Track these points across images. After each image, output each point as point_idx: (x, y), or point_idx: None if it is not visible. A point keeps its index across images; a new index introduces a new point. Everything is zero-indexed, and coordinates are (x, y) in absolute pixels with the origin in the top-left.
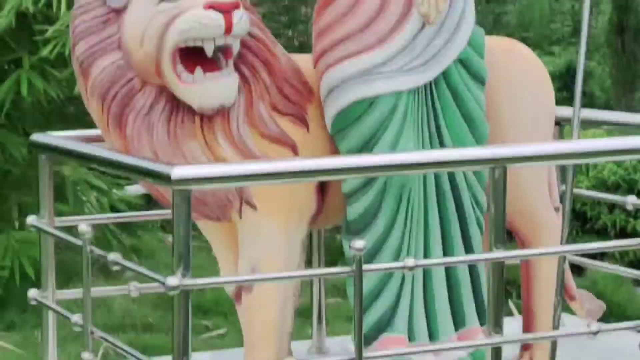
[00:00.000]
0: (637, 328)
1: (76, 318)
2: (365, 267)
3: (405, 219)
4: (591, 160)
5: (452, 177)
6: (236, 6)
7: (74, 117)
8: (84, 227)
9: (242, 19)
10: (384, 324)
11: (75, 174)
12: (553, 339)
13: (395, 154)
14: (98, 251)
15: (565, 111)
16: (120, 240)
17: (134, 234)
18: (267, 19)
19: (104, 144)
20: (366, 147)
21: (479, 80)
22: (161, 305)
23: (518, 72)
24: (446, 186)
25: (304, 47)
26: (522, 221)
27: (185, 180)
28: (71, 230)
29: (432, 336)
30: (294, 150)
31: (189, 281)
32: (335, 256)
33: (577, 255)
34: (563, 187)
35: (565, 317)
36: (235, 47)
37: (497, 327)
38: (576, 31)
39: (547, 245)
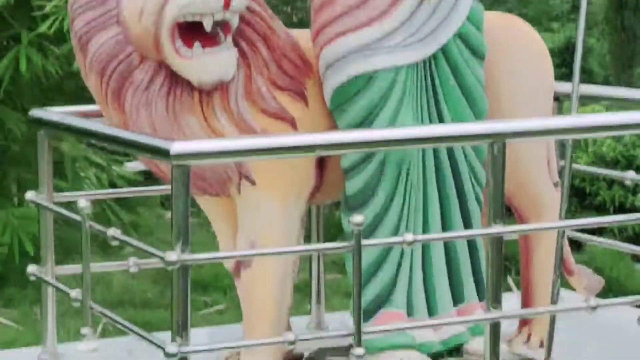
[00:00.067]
0: (635, 303)
1: (75, 293)
2: (364, 242)
3: (404, 194)
4: (590, 135)
5: (451, 153)
6: None
7: (72, 93)
8: (82, 203)
9: None
10: (383, 300)
11: (74, 150)
12: (552, 314)
13: (394, 129)
14: (97, 226)
15: (564, 87)
16: (119, 217)
17: (132, 211)
18: None
19: (102, 119)
20: (365, 122)
21: (478, 55)
22: (160, 281)
23: (517, 47)
24: (445, 161)
25: (303, 23)
26: (521, 197)
27: (184, 155)
28: (70, 206)
29: (431, 311)
30: (293, 126)
31: (188, 256)
32: (334, 232)
33: (575, 230)
34: (562, 163)
35: (563, 292)
36: (234, 22)
37: (496, 302)
38: (575, 7)
39: (546, 221)
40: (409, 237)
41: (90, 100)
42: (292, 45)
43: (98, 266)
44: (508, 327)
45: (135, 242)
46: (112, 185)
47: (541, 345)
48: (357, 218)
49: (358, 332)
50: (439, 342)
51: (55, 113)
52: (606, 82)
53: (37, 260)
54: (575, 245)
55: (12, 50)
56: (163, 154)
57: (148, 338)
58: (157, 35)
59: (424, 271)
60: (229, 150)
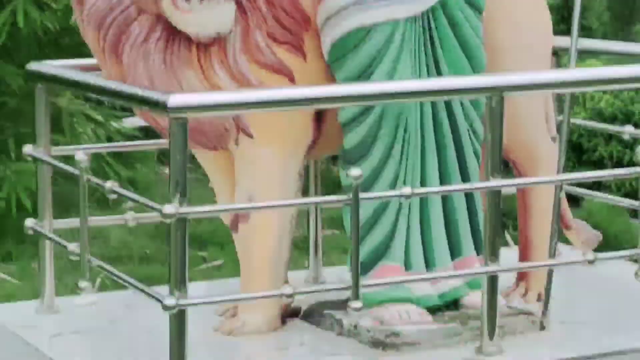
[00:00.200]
0: (633, 257)
1: (73, 247)
2: (362, 195)
3: (402, 148)
4: (589, 89)
5: (449, 106)
6: None
7: (69, 48)
8: (80, 156)
9: None
10: (381, 253)
11: (71, 105)
12: (549, 268)
13: (392, 83)
14: (95, 180)
15: (562, 41)
16: (116, 172)
17: (130, 167)
18: None
19: (100, 73)
20: (363, 75)
21: (476, 8)
22: (158, 237)
23: (515, 0)
24: (443, 115)
25: None
26: (518, 151)
27: (182, 108)
28: (68, 161)
29: (428, 265)
30: (291, 79)
31: (185, 209)
32: (331, 188)
33: (573, 185)
34: (560, 118)
35: (561, 247)
36: None
37: (494, 256)
38: None
39: (544, 175)
40: (407, 190)
41: (87, 55)
42: None
43: (96, 220)
44: (505, 282)
45: (132, 195)
46: (110, 140)
47: (538, 299)
48: (355, 171)
49: (355, 286)
50: (436, 296)
51: (53, 66)
52: (604, 39)
53: (34, 215)
54: (573, 200)
55: (9, 5)
56: (161, 106)
57: (146, 291)
58: None
59: (421, 225)
60: (226, 103)
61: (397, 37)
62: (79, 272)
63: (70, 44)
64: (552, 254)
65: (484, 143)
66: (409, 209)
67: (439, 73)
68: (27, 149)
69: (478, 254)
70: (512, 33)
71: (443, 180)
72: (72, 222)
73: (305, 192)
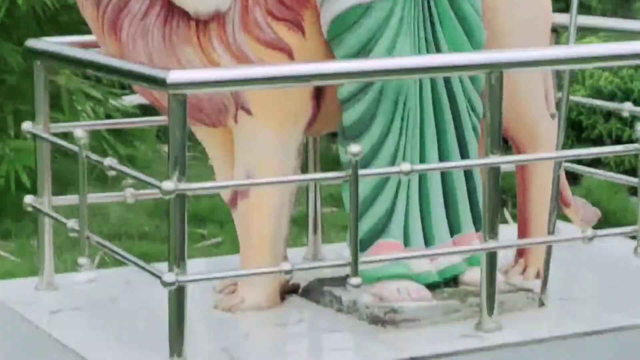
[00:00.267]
0: (631, 234)
1: (72, 223)
2: (361, 171)
3: (401, 124)
4: (588, 66)
5: (448, 83)
6: None
7: (68, 25)
8: (79, 133)
9: None
10: (380, 230)
11: (70, 83)
12: (548, 245)
13: (391, 59)
14: (94, 156)
15: (561, 18)
16: (115, 150)
17: (129, 144)
18: None
19: (99, 50)
20: (362, 52)
21: None
22: (157, 214)
23: None
24: (442, 92)
25: None
26: (518, 128)
27: (181, 84)
28: (67, 138)
29: (427, 242)
30: (290, 56)
31: (184, 185)
32: (331, 166)
33: (572, 162)
34: (559, 95)
35: (560, 224)
36: None
37: (493, 232)
38: None
39: (543, 152)
40: (406, 167)
41: (86, 33)
42: None
43: (95, 197)
44: (504, 259)
45: (131, 172)
46: (109, 118)
47: (537, 276)
48: (354, 147)
49: (354, 262)
50: (435, 273)
51: (52, 43)
52: (604, 16)
53: (33, 192)
54: (572, 178)
55: None
56: (160, 83)
57: (145, 268)
58: None
59: (420, 202)
60: (225, 79)
61: (396, 13)
62: (78, 249)
63: (69, 22)
64: (551, 231)
65: (483, 120)
66: (408, 185)
67: (438, 50)
68: (26, 125)
69: (477, 230)
70: (511, 10)
71: (442, 157)
72: (71, 199)
73: (304, 170)
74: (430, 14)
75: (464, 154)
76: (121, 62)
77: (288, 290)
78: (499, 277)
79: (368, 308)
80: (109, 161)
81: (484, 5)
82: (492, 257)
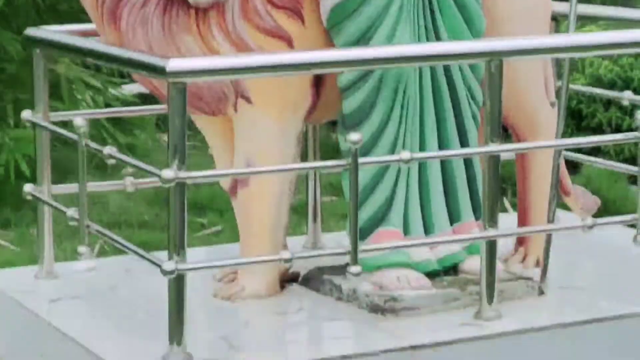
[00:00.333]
0: (631, 222)
1: (71, 212)
2: (361, 160)
3: (401, 113)
4: (588, 54)
5: (448, 71)
6: None
7: (68, 14)
8: (79, 121)
9: None
10: (379, 218)
11: (69, 72)
12: (548, 233)
13: (391, 47)
14: (93, 145)
15: (561, 6)
16: (115, 139)
17: (129, 133)
18: None
19: (99, 38)
20: (362, 40)
21: None
22: (157, 203)
23: None
24: (442, 80)
25: None
26: (518, 116)
27: (181, 72)
28: (66, 127)
29: (427, 230)
30: (289, 44)
31: (184, 174)
32: (330, 155)
33: (572, 151)
34: (559, 83)
35: (560, 213)
36: None
37: (492, 221)
38: None
39: (543, 140)
40: (406, 155)
41: (85, 22)
42: None
43: (94, 185)
44: (504, 248)
45: (131, 160)
46: (109, 107)
47: (537, 265)
48: (354, 136)
49: (354, 250)
50: (435, 261)
51: (51, 32)
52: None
53: (33, 181)
54: (572, 167)
55: None
56: (159, 71)
57: (145, 256)
58: None
59: (420, 190)
60: (225, 67)
61: (396, 1)
62: (77, 238)
63: (68, 10)
64: (551, 219)
65: (482, 108)
66: (408, 174)
67: (438, 38)
68: (26, 114)
69: (477, 219)
70: None
71: (442, 146)
72: (71, 187)
73: (304, 158)
74: (430, 2)
75: (463, 143)
76: (121, 50)
77: (288, 279)
78: (499, 266)
79: (368, 296)
80: (109, 149)
81: None
82: (491, 245)
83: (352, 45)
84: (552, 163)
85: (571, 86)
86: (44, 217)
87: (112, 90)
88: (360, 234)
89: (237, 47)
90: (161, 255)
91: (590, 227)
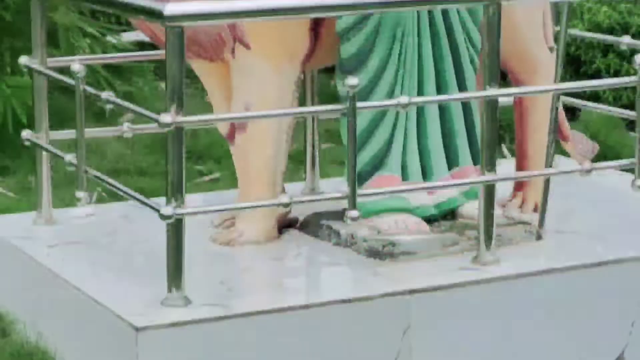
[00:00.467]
0: (629, 167)
1: (70, 157)
2: (358, 104)
3: (399, 57)
4: None
5: (446, 16)
6: None
7: None
8: (76, 66)
9: None
10: (377, 163)
11: (66, 19)
12: (546, 178)
13: None
14: (91, 90)
15: None
16: (113, 87)
17: (127, 81)
18: None
19: None
20: None
21: None
22: (155, 150)
23: None
24: (440, 25)
25: None
26: (516, 60)
27: (178, 16)
28: (64, 75)
29: (425, 175)
30: None
31: (182, 118)
32: (328, 102)
33: (570, 96)
34: (557, 28)
35: (558, 159)
36: None
37: (491, 165)
38: None
39: (541, 84)
40: (404, 99)
41: None
42: None
43: (92, 131)
44: (502, 194)
45: (129, 105)
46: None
47: (535, 210)
48: (352, 80)
49: (352, 195)
50: (433, 206)
51: None
52: None
53: (31, 129)
54: (570, 113)
55: None
56: (157, 15)
57: (144, 201)
58: None
59: (418, 135)
60: (222, 11)
61: None
62: (75, 186)
63: None
64: (549, 164)
65: (481, 53)
66: (406, 119)
67: None
68: (23, 60)
69: (475, 164)
70: None
71: (440, 91)
72: (69, 133)
73: (302, 106)
74: None
75: (462, 88)
76: None
77: (286, 224)
78: (497, 211)
79: (366, 241)
80: (106, 94)
81: None
82: (489, 190)
83: None
84: (550, 108)
85: (569, 32)
86: (42, 163)
87: (110, 38)
88: (358, 179)
89: None
90: (160, 201)
91: (588, 171)
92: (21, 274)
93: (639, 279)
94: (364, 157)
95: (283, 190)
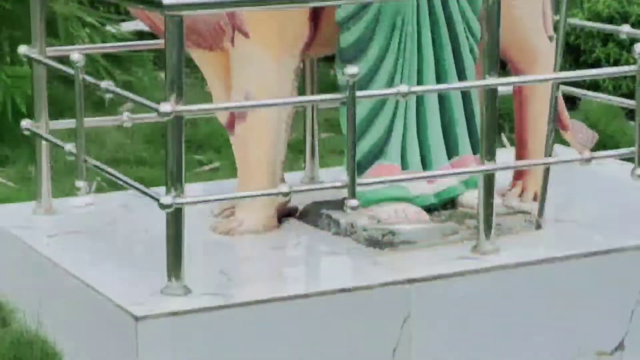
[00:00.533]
0: (628, 156)
1: (69, 147)
2: (358, 93)
3: (399, 47)
4: None
5: (445, 5)
6: None
7: None
8: (76, 56)
9: None
10: (377, 152)
11: (66, 9)
12: (545, 167)
13: None
14: (90, 79)
15: None
16: (112, 76)
17: (126, 70)
18: None
19: None
20: None
21: None
22: (154, 140)
23: None
24: (440, 14)
25: None
26: (516, 49)
27: (177, 5)
28: (63, 64)
29: (425, 164)
30: None
31: (182, 107)
32: (328, 91)
33: (570, 85)
34: (557, 17)
35: (558, 147)
36: None
37: (490, 154)
38: None
39: (541, 74)
40: (404, 88)
41: None
42: None
43: (92, 120)
44: (502, 183)
45: (128, 94)
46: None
47: (535, 199)
48: (351, 69)
49: (352, 184)
50: (432, 195)
51: None
52: None
53: (31, 118)
54: (570, 102)
55: None
56: (156, 4)
57: (143, 190)
58: None
59: (418, 124)
60: (221, 0)
61: None
62: (75, 176)
63: None
64: (549, 152)
65: (481, 42)
66: (406, 108)
67: None
68: (23, 49)
69: (475, 153)
70: None
71: (440, 80)
72: (68, 122)
73: (301, 95)
74: None
75: (461, 77)
76: None
77: (285, 214)
78: (497, 200)
79: (366, 230)
80: (106, 84)
81: None
82: (489, 179)
83: None
84: (549, 97)
85: (569, 20)
86: (41, 152)
87: (110, 27)
88: (358, 168)
89: None
90: (159, 190)
91: (588, 160)
92: (21, 263)
93: (638, 267)
94: (364, 146)
95: (282, 180)
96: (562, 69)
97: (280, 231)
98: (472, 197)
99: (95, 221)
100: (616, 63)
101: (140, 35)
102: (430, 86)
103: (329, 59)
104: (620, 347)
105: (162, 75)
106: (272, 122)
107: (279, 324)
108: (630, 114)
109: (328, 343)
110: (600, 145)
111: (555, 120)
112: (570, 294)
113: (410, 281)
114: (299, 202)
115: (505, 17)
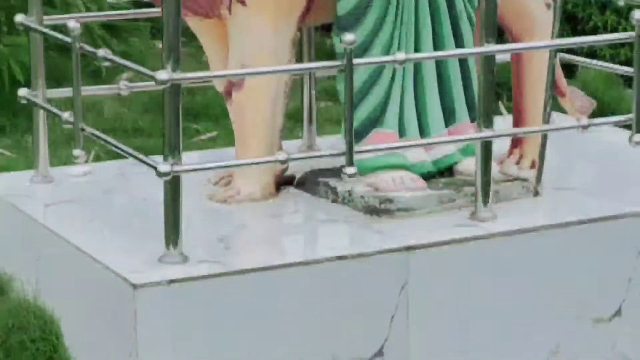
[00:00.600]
0: (626, 123)
1: (66, 115)
2: (355, 60)
3: (396, 14)
4: None
5: None
6: None
7: None
8: (72, 24)
9: None
10: (375, 120)
11: None
12: (543, 135)
13: None
14: (87, 47)
15: None
16: (109, 46)
17: (123, 40)
18: None
19: None
20: None
21: None
22: (152, 109)
23: None
24: None
25: None
26: (513, 16)
27: None
28: (59, 33)
29: (422, 132)
30: None
31: (179, 75)
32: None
33: (567, 52)
34: None
35: (555, 115)
36: None
37: (488, 122)
38: None
39: (538, 41)
40: (401, 56)
41: None
42: None
43: (89, 89)
44: (499, 151)
45: (125, 62)
46: None
47: (532, 166)
48: (349, 36)
49: (349, 152)
50: (430, 162)
51: None
52: None
53: (28, 88)
54: (568, 70)
55: None
56: None
57: (141, 158)
58: None
59: (415, 92)
60: None
61: None
62: (72, 145)
63: None
64: (546, 120)
65: (478, 10)
66: (403, 75)
67: None
68: (19, 18)
69: (472, 120)
70: None
71: (437, 47)
72: (65, 91)
73: (299, 63)
74: None
75: (459, 45)
76: None
77: (283, 182)
78: (494, 167)
79: (363, 198)
80: (103, 52)
81: None
82: (486, 146)
83: None
84: (547, 65)
85: None
86: (39, 121)
87: None
88: (355, 135)
89: None
90: (157, 159)
91: (586, 127)
92: (19, 232)
93: (636, 234)
94: (361, 114)
95: (281, 148)
96: (560, 37)
97: (278, 199)
98: (469, 165)
99: (93, 190)
100: (614, 31)
101: (137, 5)
102: (428, 54)
103: (326, 28)
104: (617, 313)
105: (159, 45)
106: (269, 90)
107: (276, 291)
108: (628, 81)
109: (326, 310)
110: (597, 113)
111: (553, 87)
112: (567, 260)
113: (408, 248)
114: (297, 170)
115: None
